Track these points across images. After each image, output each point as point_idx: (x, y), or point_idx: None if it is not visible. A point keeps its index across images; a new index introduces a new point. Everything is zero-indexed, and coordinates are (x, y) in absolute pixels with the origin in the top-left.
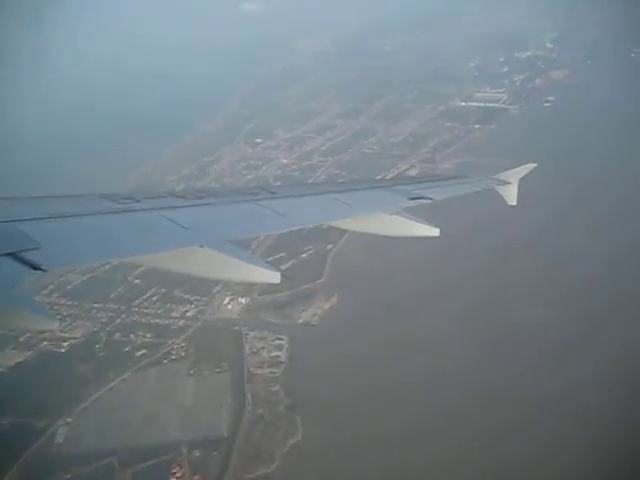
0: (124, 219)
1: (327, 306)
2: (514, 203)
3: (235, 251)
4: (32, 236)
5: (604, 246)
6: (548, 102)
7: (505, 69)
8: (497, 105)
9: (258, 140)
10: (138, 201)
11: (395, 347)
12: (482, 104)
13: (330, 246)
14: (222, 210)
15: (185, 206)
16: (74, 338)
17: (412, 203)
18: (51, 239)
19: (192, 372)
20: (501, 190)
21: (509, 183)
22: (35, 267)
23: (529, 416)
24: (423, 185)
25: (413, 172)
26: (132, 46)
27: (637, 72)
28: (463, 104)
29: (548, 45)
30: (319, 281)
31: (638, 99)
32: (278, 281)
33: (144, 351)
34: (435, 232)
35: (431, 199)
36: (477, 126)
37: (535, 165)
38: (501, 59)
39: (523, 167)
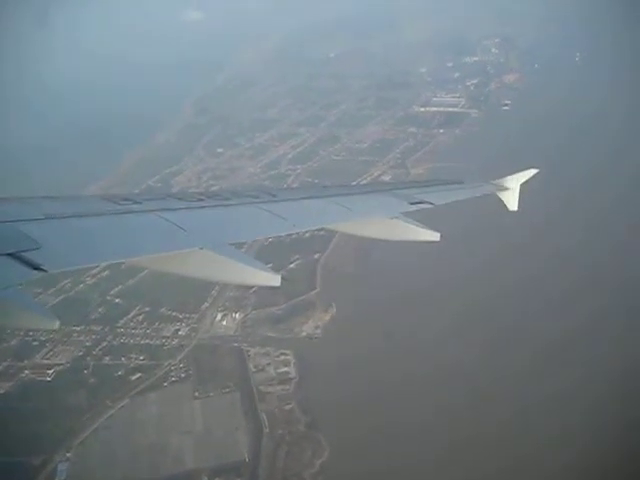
0: (124, 220)
1: (327, 317)
2: (515, 208)
3: (235, 253)
4: (32, 236)
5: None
6: (506, 105)
7: (456, 74)
8: (456, 110)
9: (220, 150)
10: (138, 202)
11: (403, 353)
12: (441, 109)
13: (317, 255)
14: (222, 212)
15: (185, 208)
16: (58, 365)
17: (413, 208)
18: (51, 240)
19: (197, 394)
20: (502, 195)
21: (509, 188)
22: (36, 267)
23: (526, 415)
24: (423, 189)
25: (385, 178)
26: (82, 56)
27: (583, 75)
28: (422, 109)
29: (493, 50)
30: (313, 292)
31: (589, 101)
32: (278, 284)
33: (139, 374)
34: (436, 237)
35: (432, 204)
36: (441, 130)
37: (537, 171)
38: (450, 64)
39: (524, 173)
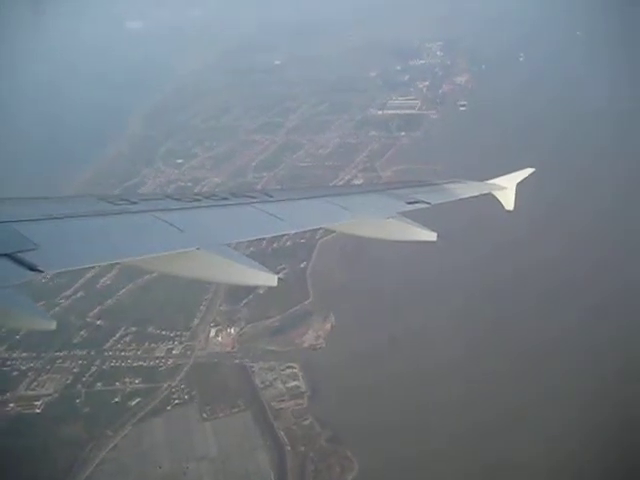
0: (121, 221)
1: (328, 326)
2: (511, 208)
3: (231, 254)
4: (29, 237)
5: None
6: (463, 106)
7: (406, 77)
8: (414, 112)
9: (179, 161)
10: (135, 203)
11: (412, 357)
12: (399, 111)
13: (304, 264)
14: (219, 213)
15: (182, 208)
16: (46, 395)
17: (409, 207)
18: (48, 240)
19: (205, 416)
20: (498, 195)
21: (506, 188)
22: (32, 268)
23: (524, 412)
24: (420, 189)
25: (357, 181)
26: (29, 68)
27: (529, 74)
28: (380, 112)
29: (438, 53)
30: (307, 301)
31: (541, 97)
32: (275, 284)
33: (138, 399)
34: (432, 236)
35: (428, 203)
36: (402, 133)
37: (533, 170)
38: (398, 68)
39: (520, 172)
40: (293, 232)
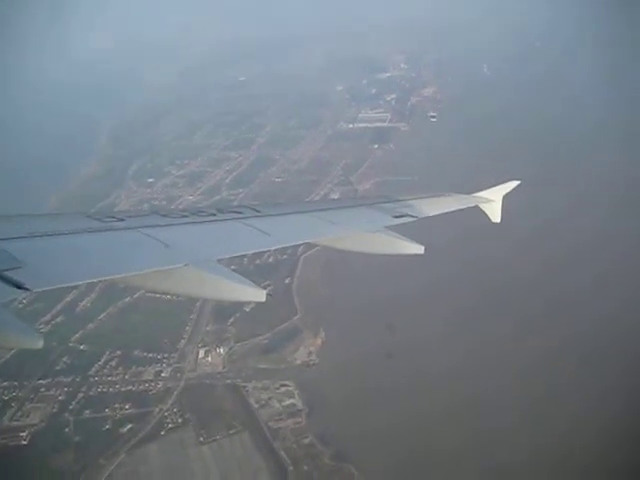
0: (108, 238)
1: (319, 342)
2: (498, 220)
3: (220, 270)
4: (15, 255)
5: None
6: (433, 117)
7: (373, 90)
8: (385, 124)
9: (150, 180)
10: (122, 220)
11: (407, 370)
12: (369, 124)
13: (288, 279)
14: (206, 228)
15: (169, 225)
16: (32, 425)
17: (396, 221)
18: (34, 258)
19: (202, 439)
20: (485, 207)
21: (492, 201)
22: (19, 286)
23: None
24: (406, 203)
25: (334, 196)
26: None
27: (495, 84)
28: (350, 126)
29: (402, 65)
30: (296, 317)
31: (510, 107)
32: (264, 299)
33: (130, 425)
34: (420, 249)
35: (415, 217)
36: (375, 146)
37: (519, 182)
38: (364, 81)
39: (506, 184)
40: (281, 247)
